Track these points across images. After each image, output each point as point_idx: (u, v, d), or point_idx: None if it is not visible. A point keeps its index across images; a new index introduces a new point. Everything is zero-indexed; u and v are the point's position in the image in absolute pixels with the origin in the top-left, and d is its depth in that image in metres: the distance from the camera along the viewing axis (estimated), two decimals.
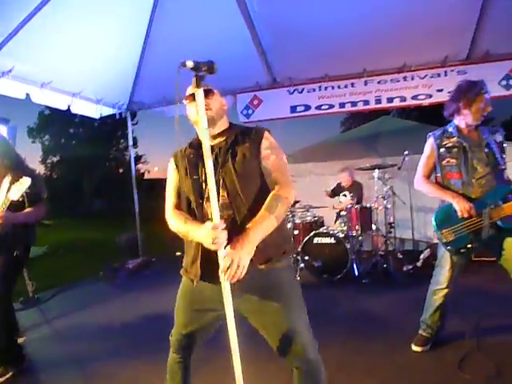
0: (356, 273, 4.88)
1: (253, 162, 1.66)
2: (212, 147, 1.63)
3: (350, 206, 5.07)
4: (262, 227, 1.54)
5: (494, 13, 5.00)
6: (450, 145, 2.67)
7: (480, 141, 2.64)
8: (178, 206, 1.77)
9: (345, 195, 5.66)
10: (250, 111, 6.33)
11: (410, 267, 4.99)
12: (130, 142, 7.70)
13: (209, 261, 1.58)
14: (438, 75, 5.60)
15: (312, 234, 4.98)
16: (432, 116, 18.61)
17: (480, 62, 5.52)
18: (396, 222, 5.51)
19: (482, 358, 2.61)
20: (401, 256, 5.21)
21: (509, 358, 2.61)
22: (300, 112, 6.08)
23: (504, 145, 2.68)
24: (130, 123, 7.10)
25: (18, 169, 2.73)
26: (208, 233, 1.49)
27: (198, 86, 1.54)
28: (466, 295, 3.95)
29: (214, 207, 1.51)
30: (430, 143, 2.79)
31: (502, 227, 2.51)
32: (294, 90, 6.10)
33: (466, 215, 2.52)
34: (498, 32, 5.21)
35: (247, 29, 5.44)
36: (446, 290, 2.77)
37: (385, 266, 4.99)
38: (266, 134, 1.74)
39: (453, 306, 2.87)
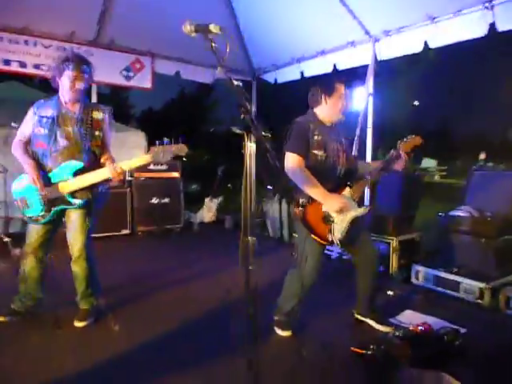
0: None
1: None
2: None
3: None
4: None
5: (117, 6, 5.31)
6: (43, 114, 2.60)
7: (73, 115, 2.63)
8: None
9: None
10: None
11: (18, 251, 4.58)
12: None
13: None
14: (64, 49, 5.39)
15: None
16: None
17: (106, 49, 5.74)
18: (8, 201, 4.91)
19: None
20: (7, 239, 4.65)
21: None
22: None
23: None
24: None
25: None
26: None
27: None
28: None
29: None
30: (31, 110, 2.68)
31: (71, 202, 2.61)
32: None
33: (34, 185, 2.56)
34: (123, 26, 5.57)
35: None
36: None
37: None
38: None
39: None
